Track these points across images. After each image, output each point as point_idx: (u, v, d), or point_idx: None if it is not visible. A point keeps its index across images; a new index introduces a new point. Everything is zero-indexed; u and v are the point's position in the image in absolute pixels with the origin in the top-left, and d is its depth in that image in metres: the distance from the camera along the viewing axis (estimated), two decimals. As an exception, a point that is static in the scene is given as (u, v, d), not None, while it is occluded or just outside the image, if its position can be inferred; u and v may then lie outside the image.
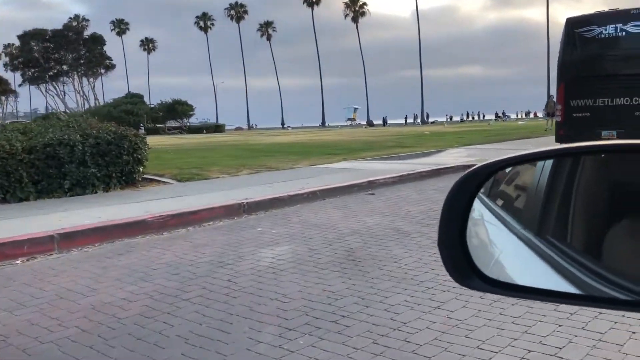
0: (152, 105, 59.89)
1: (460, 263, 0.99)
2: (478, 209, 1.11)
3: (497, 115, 77.80)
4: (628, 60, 11.04)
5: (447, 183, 1.35)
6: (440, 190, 8.15)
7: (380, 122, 74.58)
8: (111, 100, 60.58)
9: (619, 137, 10.62)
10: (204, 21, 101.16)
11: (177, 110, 57.36)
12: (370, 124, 73.02)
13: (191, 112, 59.90)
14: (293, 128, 72.26)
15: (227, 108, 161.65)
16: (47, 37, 73.49)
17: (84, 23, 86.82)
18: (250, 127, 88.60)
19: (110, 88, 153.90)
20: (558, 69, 12.08)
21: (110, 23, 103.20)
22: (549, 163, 1.04)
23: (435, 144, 17.80)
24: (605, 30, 11.11)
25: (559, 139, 11.68)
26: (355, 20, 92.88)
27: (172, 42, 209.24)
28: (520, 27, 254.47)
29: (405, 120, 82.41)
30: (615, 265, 0.85)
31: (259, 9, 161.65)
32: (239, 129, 77.41)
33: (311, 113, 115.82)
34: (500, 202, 1.19)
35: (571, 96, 11.64)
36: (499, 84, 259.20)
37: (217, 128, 62.32)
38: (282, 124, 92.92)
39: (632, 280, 0.81)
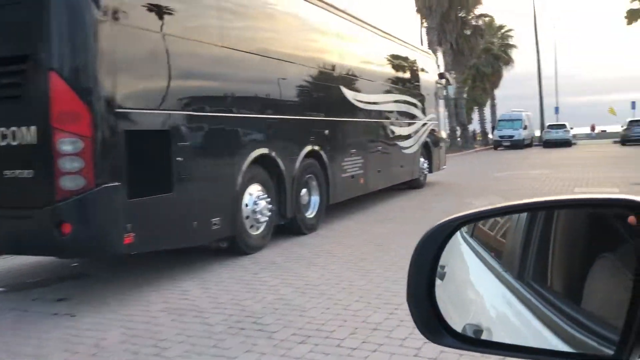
0: None
1: (430, 320, 0.99)
2: (460, 251, 1.13)
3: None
4: None
5: None
6: None
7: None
8: None
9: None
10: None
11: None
12: None
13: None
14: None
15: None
16: None
17: None
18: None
19: None
20: None
21: None
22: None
23: None
24: None
25: None
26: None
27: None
28: None
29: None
30: (595, 311, 0.84)
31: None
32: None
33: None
34: (483, 244, 1.21)
35: None
36: None
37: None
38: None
39: (610, 329, 0.78)
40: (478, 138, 40.67)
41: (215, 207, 5.83)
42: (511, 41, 45.70)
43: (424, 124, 13.45)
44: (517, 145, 35.73)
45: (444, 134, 15.62)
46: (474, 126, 45.54)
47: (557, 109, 47.08)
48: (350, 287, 4.99)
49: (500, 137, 36.65)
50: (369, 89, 10.16)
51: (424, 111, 13.47)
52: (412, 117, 12.67)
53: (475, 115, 44.19)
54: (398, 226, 8.14)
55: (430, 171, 14.08)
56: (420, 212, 9.54)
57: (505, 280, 1.10)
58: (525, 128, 37.34)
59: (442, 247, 1.04)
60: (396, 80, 11.85)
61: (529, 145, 38.30)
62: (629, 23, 42.29)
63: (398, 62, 12.24)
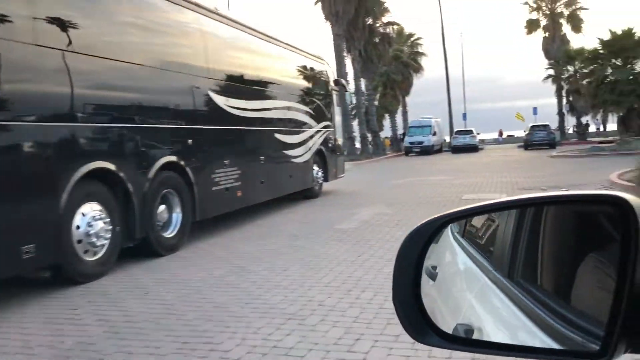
0: None
1: (416, 319, 0.99)
2: (451, 250, 1.23)
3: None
4: None
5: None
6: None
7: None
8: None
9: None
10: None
11: None
12: None
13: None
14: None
15: None
16: None
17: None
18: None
19: None
20: None
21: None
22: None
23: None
24: None
25: None
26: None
27: None
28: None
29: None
30: (584, 308, 0.84)
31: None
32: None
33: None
34: (473, 244, 1.26)
35: None
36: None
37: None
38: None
39: (598, 325, 0.78)
40: (388, 145, 41.14)
41: (26, 232, 4.94)
42: (421, 49, 46.82)
43: (317, 132, 13.00)
44: (427, 151, 36.40)
45: (341, 142, 15.26)
46: (387, 133, 46.14)
47: (464, 115, 48.73)
48: (176, 323, 4.29)
49: (411, 143, 37.20)
50: (246, 95, 9.53)
51: (316, 118, 13.02)
52: (302, 124, 12.16)
53: (387, 122, 44.72)
54: (269, 243, 7.54)
55: (326, 180, 13.65)
56: (299, 225, 9.00)
57: (496, 279, 1.12)
58: (434, 134, 38.12)
59: (426, 246, 1.04)
60: (282, 86, 11.29)
61: (440, 151, 39.17)
62: (529, 33, 44.70)
63: (285, 67, 11.72)
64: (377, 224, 8.56)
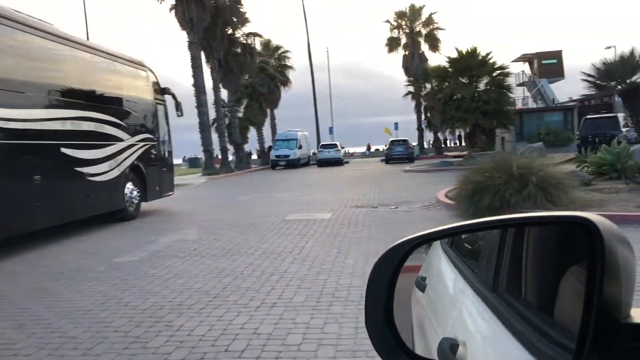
0: None
1: (388, 342, 1.02)
2: (439, 263, 1.26)
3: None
4: None
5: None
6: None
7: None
8: None
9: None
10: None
11: None
12: None
13: None
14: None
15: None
16: None
17: None
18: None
19: None
20: None
21: None
22: None
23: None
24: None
25: None
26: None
27: None
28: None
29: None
30: (565, 322, 0.84)
31: None
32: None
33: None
34: (461, 253, 1.29)
35: None
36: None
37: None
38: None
39: (573, 339, 0.78)
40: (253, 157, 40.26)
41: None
42: (289, 62, 46.52)
43: (131, 146, 11.53)
44: (293, 164, 35.95)
45: (168, 156, 13.87)
46: (252, 146, 45.21)
47: (331, 129, 49.10)
48: None
49: (277, 156, 36.56)
50: (15, 103, 7.91)
51: (130, 131, 11.55)
52: (108, 137, 10.64)
53: (254, 135, 43.75)
54: (11, 285, 6.05)
55: (145, 199, 12.20)
56: (74, 258, 7.55)
57: (481, 292, 1.12)
58: (300, 147, 37.78)
59: (397, 269, 1.05)
60: (78, 94, 9.72)
61: (307, 164, 38.93)
62: (390, 51, 46.06)
63: (84, 73, 10.16)
64: (166, 255, 7.36)
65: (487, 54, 26.24)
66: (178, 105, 14.36)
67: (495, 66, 26.20)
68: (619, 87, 11.99)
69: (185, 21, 27.86)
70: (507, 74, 26.74)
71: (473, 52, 26.24)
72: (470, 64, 25.99)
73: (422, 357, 1.03)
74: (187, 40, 28.64)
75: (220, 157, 32.69)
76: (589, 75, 24.27)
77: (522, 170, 9.08)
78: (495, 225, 1.05)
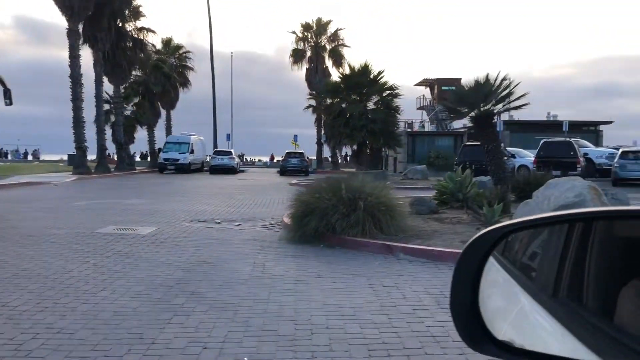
0: None
1: (473, 327, 1.00)
2: (494, 268, 1.15)
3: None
4: None
5: None
6: None
7: None
8: None
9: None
10: None
11: None
12: None
13: None
14: None
15: None
16: None
17: None
18: None
19: None
20: None
21: None
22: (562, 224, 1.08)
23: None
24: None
25: None
26: None
27: None
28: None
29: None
30: (630, 328, 0.82)
31: None
32: None
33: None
34: (515, 262, 1.24)
35: None
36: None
37: None
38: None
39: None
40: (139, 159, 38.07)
41: None
42: (190, 63, 44.73)
43: None
44: (183, 169, 34.21)
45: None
46: (142, 147, 42.92)
47: (228, 136, 47.81)
48: None
49: (165, 160, 34.67)
50: None
51: None
52: None
53: (144, 135, 41.46)
54: None
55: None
56: None
57: (540, 298, 1.09)
58: (192, 152, 36.12)
59: (487, 255, 1.03)
60: None
61: (199, 170, 37.30)
62: (295, 63, 45.51)
63: None
64: None
65: (379, 73, 26.23)
66: (7, 93, 12.62)
67: (386, 86, 26.20)
68: (472, 113, 11.74)
69: (65, 7, 25.65)
70: (397, 95, 26.87)
71: (365, 69, 26.09)
72: (361, 81, 25.82)
73: (509, 345, 0.99)
74: (67, 27, 26.40)
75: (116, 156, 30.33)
76: (445, 99, 24.60)
77: (351, 193, 8.41)
78: (578, 218, 1.05)
